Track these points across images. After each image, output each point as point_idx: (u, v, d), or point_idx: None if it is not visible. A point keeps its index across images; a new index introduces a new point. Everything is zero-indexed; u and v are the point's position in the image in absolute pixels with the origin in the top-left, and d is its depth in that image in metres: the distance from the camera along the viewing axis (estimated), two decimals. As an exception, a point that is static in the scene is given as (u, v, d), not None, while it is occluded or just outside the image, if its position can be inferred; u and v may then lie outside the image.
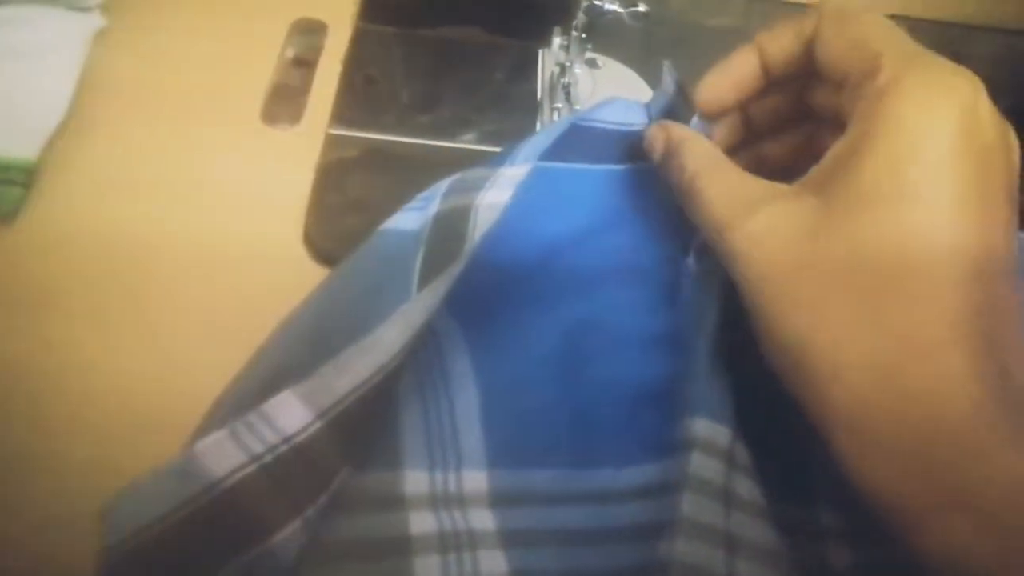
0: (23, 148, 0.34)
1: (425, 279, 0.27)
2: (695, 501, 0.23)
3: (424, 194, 0.30)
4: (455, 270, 0.26)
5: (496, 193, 0.28)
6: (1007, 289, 0.21)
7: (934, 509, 0.20)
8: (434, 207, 0.29)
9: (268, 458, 0.22)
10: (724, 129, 0.30)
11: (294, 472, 0.22)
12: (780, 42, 0.32)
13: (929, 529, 0.20)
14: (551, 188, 0.30)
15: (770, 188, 0.24)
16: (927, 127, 0.22)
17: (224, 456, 0.21)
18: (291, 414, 0.22)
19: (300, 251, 0.34)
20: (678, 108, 0.31)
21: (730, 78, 0.29)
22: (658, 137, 0.29)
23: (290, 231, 0.35)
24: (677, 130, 0.28)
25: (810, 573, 0.26)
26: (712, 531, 0.23)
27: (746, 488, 0.24)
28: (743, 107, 0.30)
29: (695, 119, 0.30)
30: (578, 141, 0.31)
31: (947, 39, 0.48)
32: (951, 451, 0.20)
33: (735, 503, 0.24)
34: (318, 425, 0.22)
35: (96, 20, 0.40)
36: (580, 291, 0.29)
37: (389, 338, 0.24)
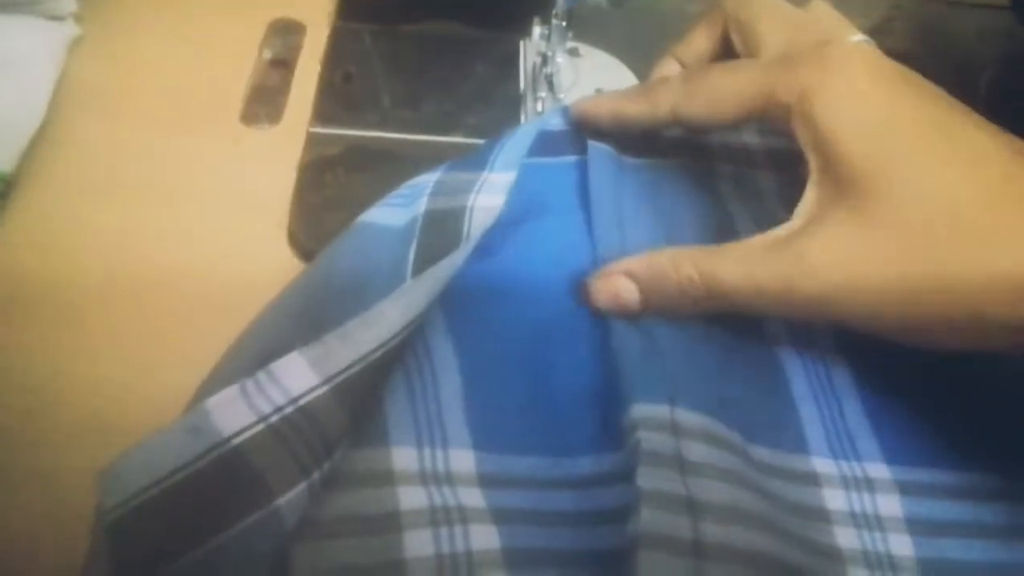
0: (-1, 159, 0.34)
1: (419, 271, 0.27)
2: (649, 473, 0.24)
3: (402, 191, 0.31)
4: (457, 258, 0.27)
5: (488, 197, 0.30)
6: None
7: None
8: (421, 205, 0.30)
9: (275, 418, 0.21)
10: None
11: (300, 434, 0.22)
12: (694, 47, 0.35)
13: None
14: (519, 182, 0.31)
15: (762, 243, 0.26)
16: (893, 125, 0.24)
17: (233, 413, 0.21)
18: (298, 375, 0.22)
19: (285, 250, 0.34)
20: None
21: (650, 101, 0.30)
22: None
23: (274, 231, 0.34)
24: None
25: (807, 514, 0.26)
26: (672, 498, 0.23)
27: (699, 453, 0.25)
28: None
29: None
30: (541, 142, 0.33)
31: (930, 17, 0.48)
32: None
33: (689, 469, 0.24)
34: (324, 390, 0.22)
35: (71, 29, 0.39)
36: (544, 281, 0.30)
37: (391, 314, 0.24)
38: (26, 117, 0.35)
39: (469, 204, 0.29)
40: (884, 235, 0.23)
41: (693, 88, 0.29)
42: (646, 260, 0.27)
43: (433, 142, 0.38)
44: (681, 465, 0.24)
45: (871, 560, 0.25)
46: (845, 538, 0.26)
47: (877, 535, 0.26)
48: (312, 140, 0.37)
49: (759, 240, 0.26)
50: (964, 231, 0.23)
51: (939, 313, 0.23)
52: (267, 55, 0.41)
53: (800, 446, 0.28)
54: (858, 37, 0.32)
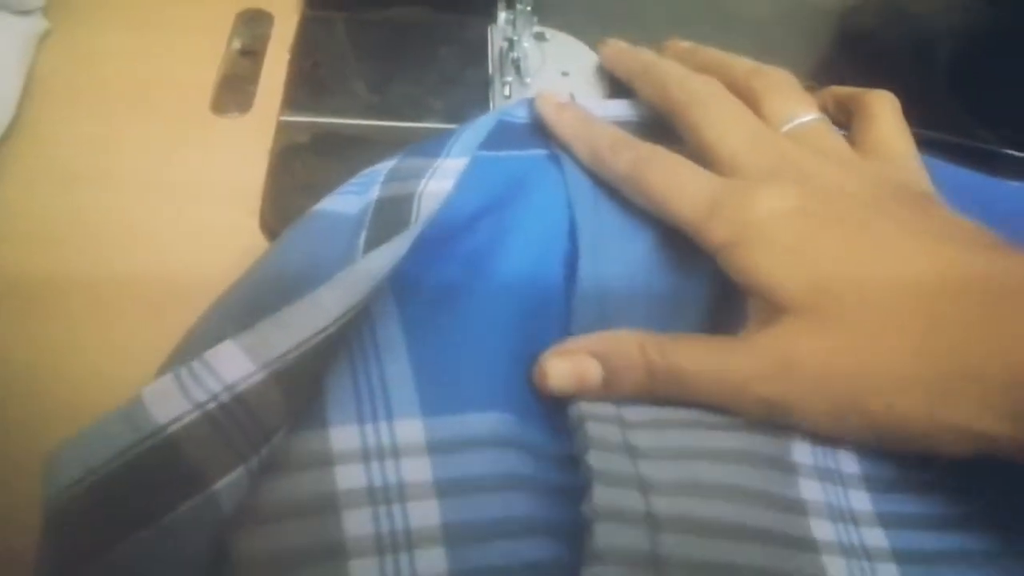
0: (-30, 153, 0.34)
1: None
2: (599, 456, 0.24)
3: (358, 179, 0.31)
4: (401, 244, 0.26)
5: (438, 183, 0.30)
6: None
7: None
8: (374, 192, 0.30)
9: (211, 406, 0.22)
10: None
11: (236, 421, 0.22)
12: (698, 59, 0.36)
13: None
14: (478, 171, 0.31)
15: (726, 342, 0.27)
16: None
17: (167, 402, 0.21)
18: (232, 363, 0.22)
19: (258, 238, 0.34)
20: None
21: None
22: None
23: (246, 219, 0.35)
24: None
25: (776, 465, 0.26)
26: (622, 476, 0.24)
27: (647, 439, 0.25)
28: None
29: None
30: (503, 133, 0.33)
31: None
32: None
33: (639, 453, 0.25)
34: (260, 376, 0.22)
35: (39, 23, 0.39)
36: (502, 255, 0.30)
37: (329, 299, 0.24)
38: (-3, 111, 0.36)
39: (419, 190, 0.29)
40: (833, 343, 0.25)
41: (651, 170, 0.30)
42: (610, 342, 0.27)
43: (403, 128, 0.38)
44: (630, 451, 0.25)
45: (835, 514, 0.26)
46: (809, 491, 0.26)
47: (840, 490, 0.26)
48: (282, 128, 0.37)
49: (719, 337, 0.27)
50: (904, 330, 0.24)
51: (891, 417, 0.24)
52: (236, 45, 0.41)
53: None
54: (810, 116, 0.32)
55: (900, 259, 0.25)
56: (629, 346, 0.27)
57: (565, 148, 0.33)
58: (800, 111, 0.32)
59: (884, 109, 0.33)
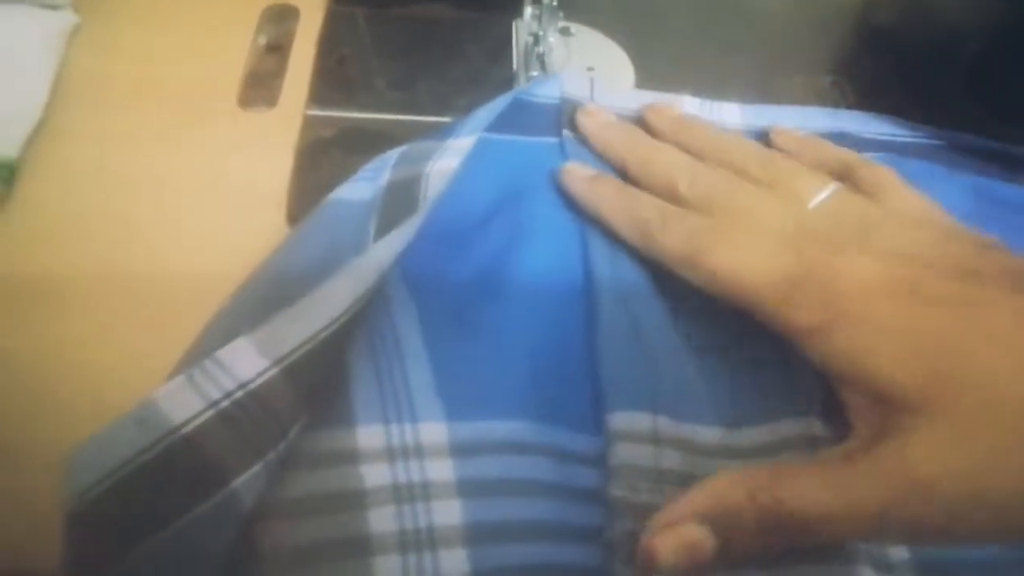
0: (3, 147, 0.34)
1: None
2: (629, 485, 0.24)
3: (372, 165, 0.31)
4: (408, 229, 0.27)
5: (445, 162, 0.30)
6: None
7: None
8: (385, 177, 0.30)
9: (225, 404, 0.22)
10: None
11: (252, 418, 0.22)
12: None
13: None
14: (492, 157, 0.32)
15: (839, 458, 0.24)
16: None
17: (182, 402, 0.22)
18: (246, 360, 0.22)
19: (284, 232, 0.34)
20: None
21: None
22: None
23: (273, 213, 0.35)
24: None
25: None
26: (651, 509, 0.24)
27: (675, 460, 0.25)
28: None
29: None
30: (519, 115, 0.33)
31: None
32: None
33: (666, 479, 0.25)
34: (273, 372, 0.22)
35: (68, 17, 0.40)
36: (522, 251, 0.30)
37: (339, 290, 0.24)
38: (28, 106, 0.36)
39: (426, 170, 0.29)
40: (975, 444, 0.21)
41: (711, 247, 0.27)
42: (713, 496, 0.23)
43: (427, 122, 0.38)
44: (659, 476, 0.25)
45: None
46: None
47: None
48: (309, 123, 0.38)
49: (830, 458, 0.24)
50: None
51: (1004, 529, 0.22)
52: (262, 40, 0.41)
53: (798, 414, 0.28)
54: (831, 189, 0.29)
55: (1015, 344, 0.23)
56: (737, 496, 0.23)
57: (600, 218, 0.31)
58: (819, 186, 0.29)
59: (892, 181, 0.30)
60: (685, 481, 0.25)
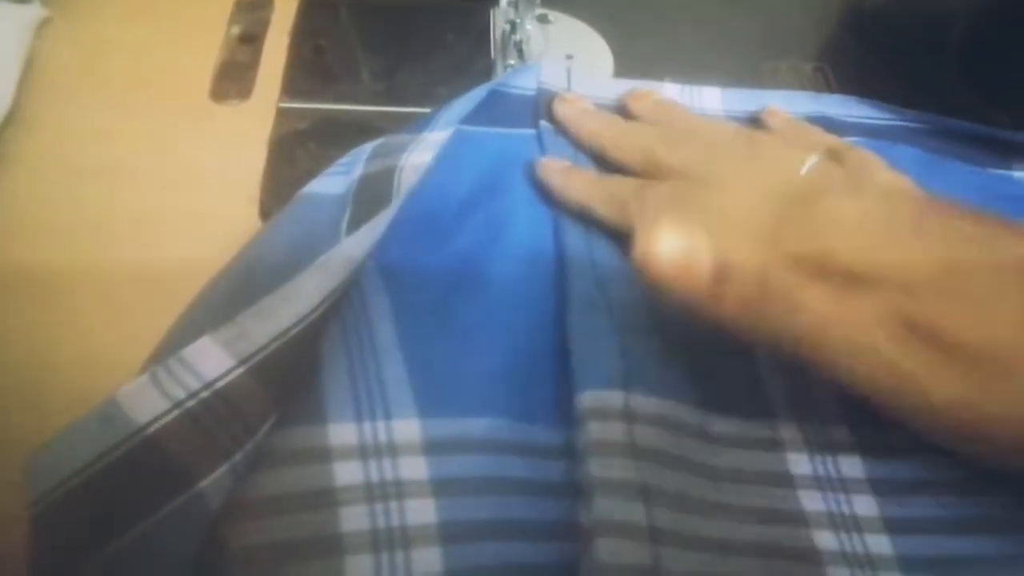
0: (-31, 142, 0.34)
1: None
2: (601, 462, 0.24)
3: (346, 159, 0.31)
4: (381, 223, 0.26)
5: (419, 155, 0.29)
6: None
7: None
8: (358, 171, 0.30)
9: (190, 403, 0.21)
10: None
11: (218, 418, 0.22)
12: None
13: None
14: (469, 149, 0.31)
15: None
16: None
17: (145, 402, 0.21)
18: (211, 359, 0.22)
19: (258, 225, 0.34)
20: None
21: None
22: None
23: (246, 206, 0.34)
24: None
25: (776, 481, 0.26)
26: (625, 486, 0.23)
27: (652, 438, 0.25)
28: None
29: None
30: (496, 106, 0.33)
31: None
32: None
33: (642, 455, 0.24)
34: (240, 371, 0.22)
35: (37, 11, 0.39)
36: (498, 246, 0.30)
37: (309, 286, 0.24)
38: (-5, 100, 0.36)
39: (400, 164, 0.29)
40: None
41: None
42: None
43: (403, 113, 0.37)
44: (634, 451, 0.24)
45: (836, 523, 0.25)
46: (811, 502, 0.26)
47: (842, 497, 0.26)
48: (282, 115, 0.37)
49: None
50: None
51: None
52: (235, 31, 0.40)
53: (764, 412, 0.28)
54: (814, 160, 0.29)
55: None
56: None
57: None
58: (801, 158, 0.29)
59: (877, 164, 0.30)
60: (661, 458, 0.24)
